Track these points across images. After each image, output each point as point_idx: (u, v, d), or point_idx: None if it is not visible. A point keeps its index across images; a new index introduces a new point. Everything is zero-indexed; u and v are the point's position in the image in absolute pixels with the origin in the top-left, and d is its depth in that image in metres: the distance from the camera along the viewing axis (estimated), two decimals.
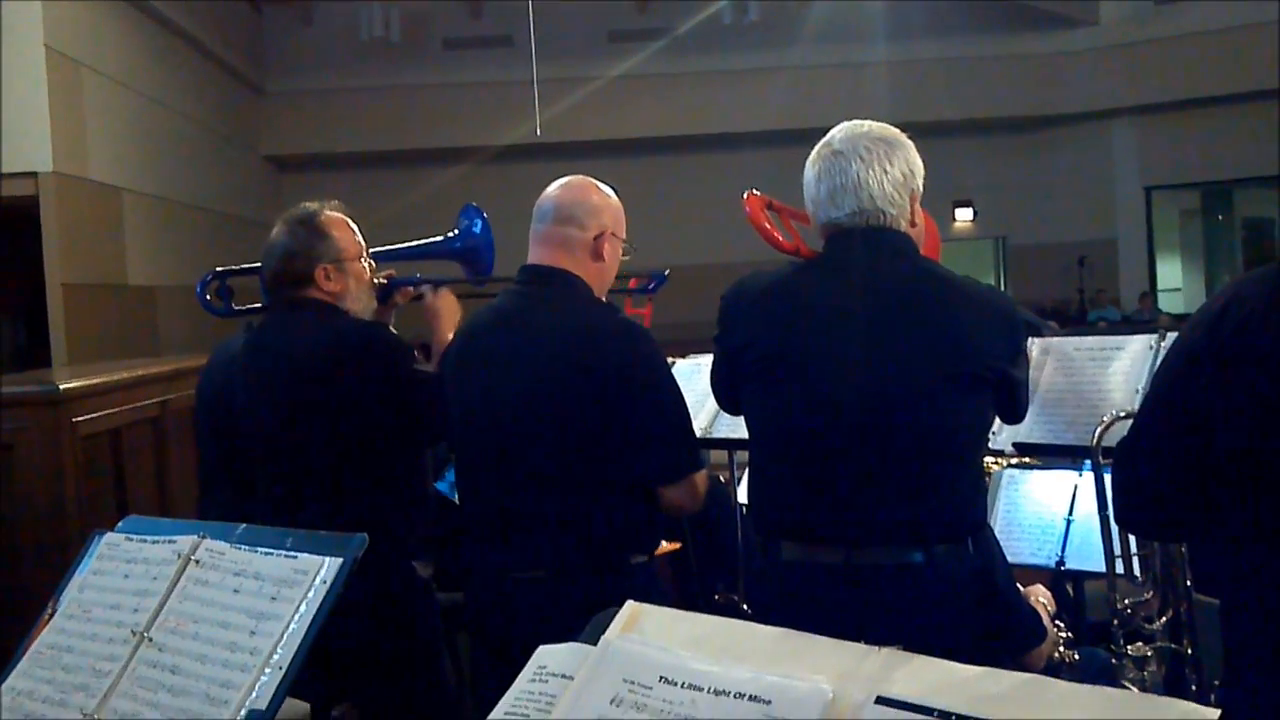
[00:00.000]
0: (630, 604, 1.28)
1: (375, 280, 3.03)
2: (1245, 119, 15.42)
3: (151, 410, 4.39)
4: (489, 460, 2.65)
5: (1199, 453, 1.76)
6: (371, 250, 3.03)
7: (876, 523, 2.30)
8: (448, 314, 3.10)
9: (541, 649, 1.29)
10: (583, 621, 1.34)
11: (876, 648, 1.13)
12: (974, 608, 2.32)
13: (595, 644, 1.24)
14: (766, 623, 1.24)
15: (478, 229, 3.28)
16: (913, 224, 2.43)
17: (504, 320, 2.70)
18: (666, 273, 3.40)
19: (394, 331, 3.05)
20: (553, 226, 2.69)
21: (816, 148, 2.45)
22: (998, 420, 2.55)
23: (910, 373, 2.28)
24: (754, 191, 2.67)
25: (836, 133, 2.44)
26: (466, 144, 15.70)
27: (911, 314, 2.33)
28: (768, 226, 2.63)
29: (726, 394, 2.61)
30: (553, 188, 2.75)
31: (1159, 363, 1.96)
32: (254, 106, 15.78)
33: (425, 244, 3.36)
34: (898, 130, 2.46)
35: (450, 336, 2.95)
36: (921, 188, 2.46)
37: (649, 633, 1.24)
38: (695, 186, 16.54)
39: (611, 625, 1.26)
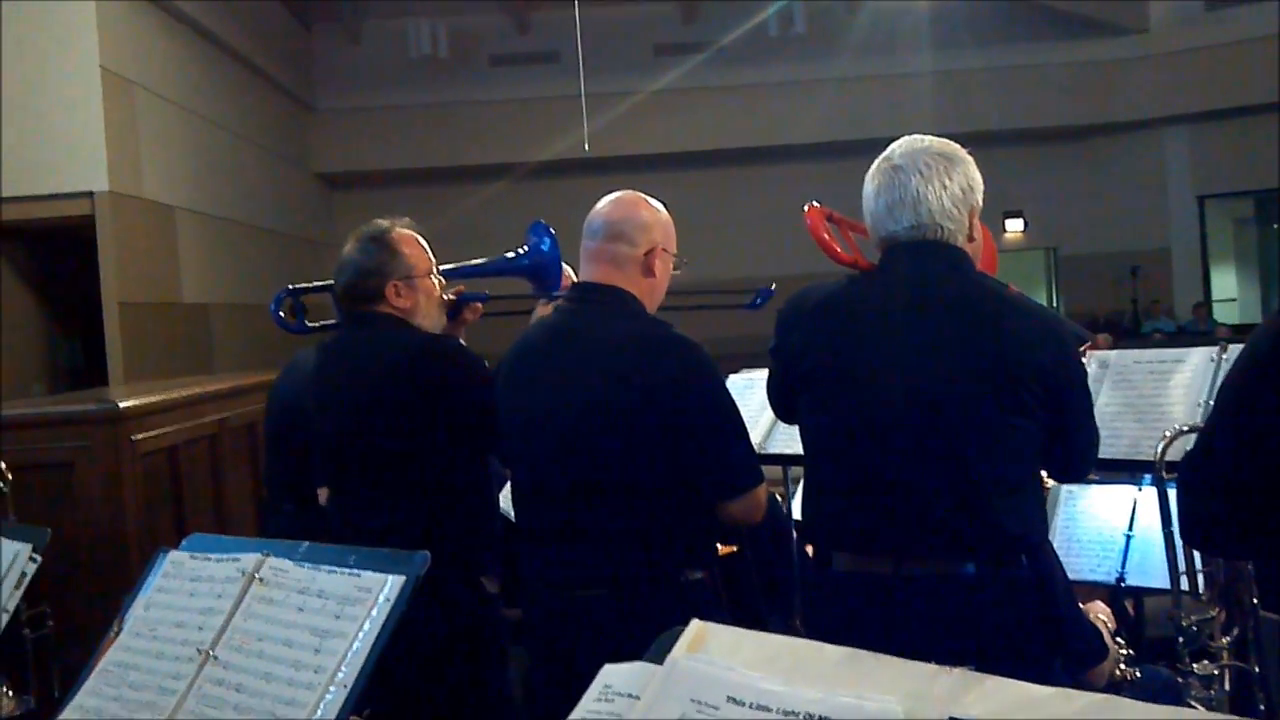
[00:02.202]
0: (696, 623, 1.27)
1: (444, 297, 3.07)
2: None
3: (209, 428, 4.44)
4: (544, 477, 2.65)
5: (1268, 468, 1.73)
6: (441, 267, 3.06)
7: (926, 533, 2.30)
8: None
9: (606, 668, 1.29)
10: (640, 637, 1.34)
11: (948, 668, 1.11)
12: (1029, 622, 2.31)
13: (661, 663, 1.24)
14: (820, 634, 1.24)
15: (546, 246, 3.30)
16: (970, 239, 2.43)
17: (557, 337, 2.71)
18: (773, 287, 3.42)
19: (464, 344, 3.08)
20: (603, 243, 2.69)
21: (876, 161, 2.46)
22: None
23: (961, 386, 2.29)
24: (814, 203, 2.67)
25: (896, 147, 2.45)
26: (515, 159, 15.78)
27: (964, 329, 2.33)
28: (827, 238, 2.63)
29: (783, 404, 2.63)
30: (602, 204, 2.76)
31: (1225, 377, 1.93)
32: (304, 124, 15.94)
33: (494, 261, 3.38)
34: (958, 145, 2.46)
35: None
36: (980, 203, 2.45)
37: (715, 652, 1.23)
38: (743, 199, 16.54)
39: (677, 644, 1.25)
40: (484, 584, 2.90)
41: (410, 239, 2.97)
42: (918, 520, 2.31)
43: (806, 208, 2.68)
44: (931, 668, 1.13)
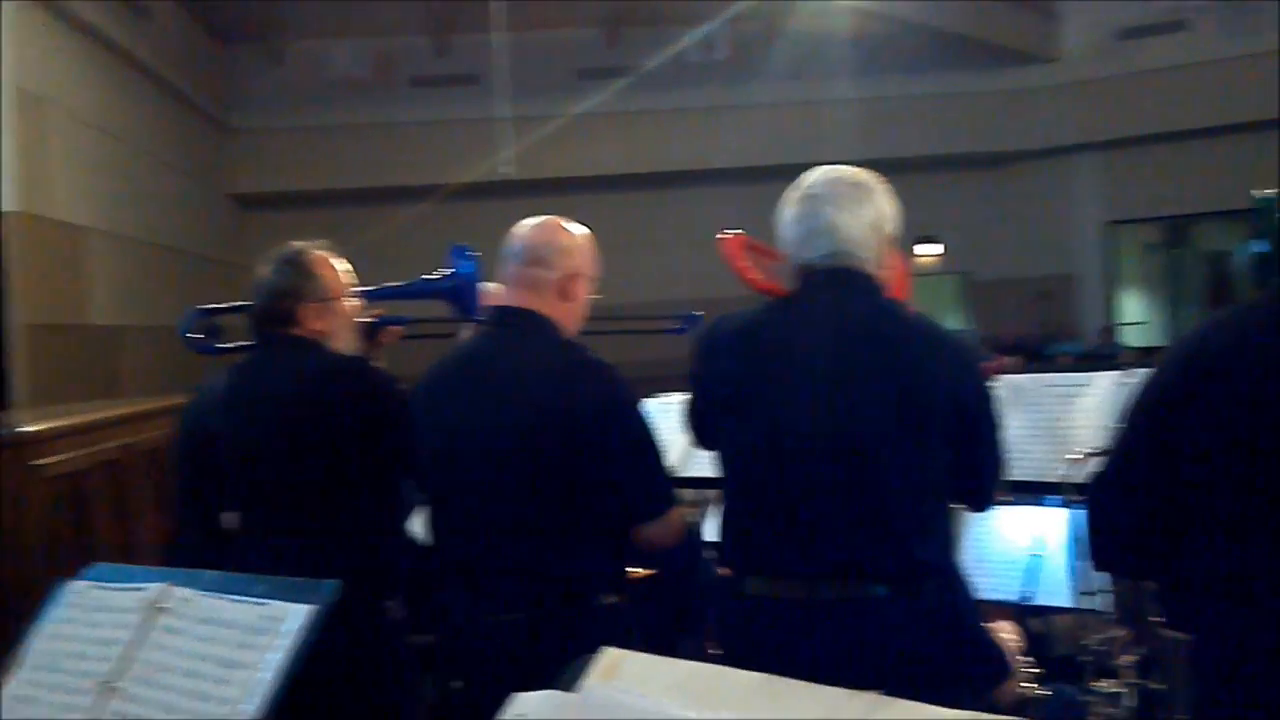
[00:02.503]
0: (609, 650, 1.27)
1: (362, 319, 3.04)
2: (1206, 153, 15.63)
3: (114, 453, 4.35)
4: (460, 502, 2.64)
5: (1173, 492, 1.77)
6: (359, 289, 3.04)
7: (840, 557, 2.33)
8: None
9: (519, 696, 1.28)
10: (554, 662, 1.33)
11: (859, 692, 1.12)
12: (939, 643, 2.34)
13: (572, 690, 1.23)
14: (734, 659, 1.24)
15: (466, 269, 3.29)
16: (884, 267, 2.46)
17: (474, 362, 2.71)
18: (701, 314, 3.47)
19: (378, 366, 3.05)
20: (522, 268, 2.70)
21: (792, 190, 2.48)
22: None
23: (874, 412, 2.32)
24: (733, 231, 2.69)
25: (812, 176, 2.48)
26: (436, 181, 15.69)
27: (877, 355, 2.36)
28: (744, 266, 2.66)
29: (700, 430, 2.64)
30: (522, 228, 2.76)
31: (1130, 401, 1.97)
32: (221, 145, 15.72)
33: (413, 284, 3.37)
34: (871, 175, 2.50)
35: None
36: (894, 232, 2.49)
37: (628, 679, 1.23)
38: (665, 223, 16.59)
39: (590, 672, 1.25)
40: (390, 609, 2.87)
41: (326, 261, 2.96)
42: (830, 545, 2.33)
43: (725, 235, 2.71)
44: (843, 692, 1.13)
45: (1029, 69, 17.16)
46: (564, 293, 2.69)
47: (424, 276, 3.39)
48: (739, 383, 2.47)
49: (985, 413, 2.44)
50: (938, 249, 17.65)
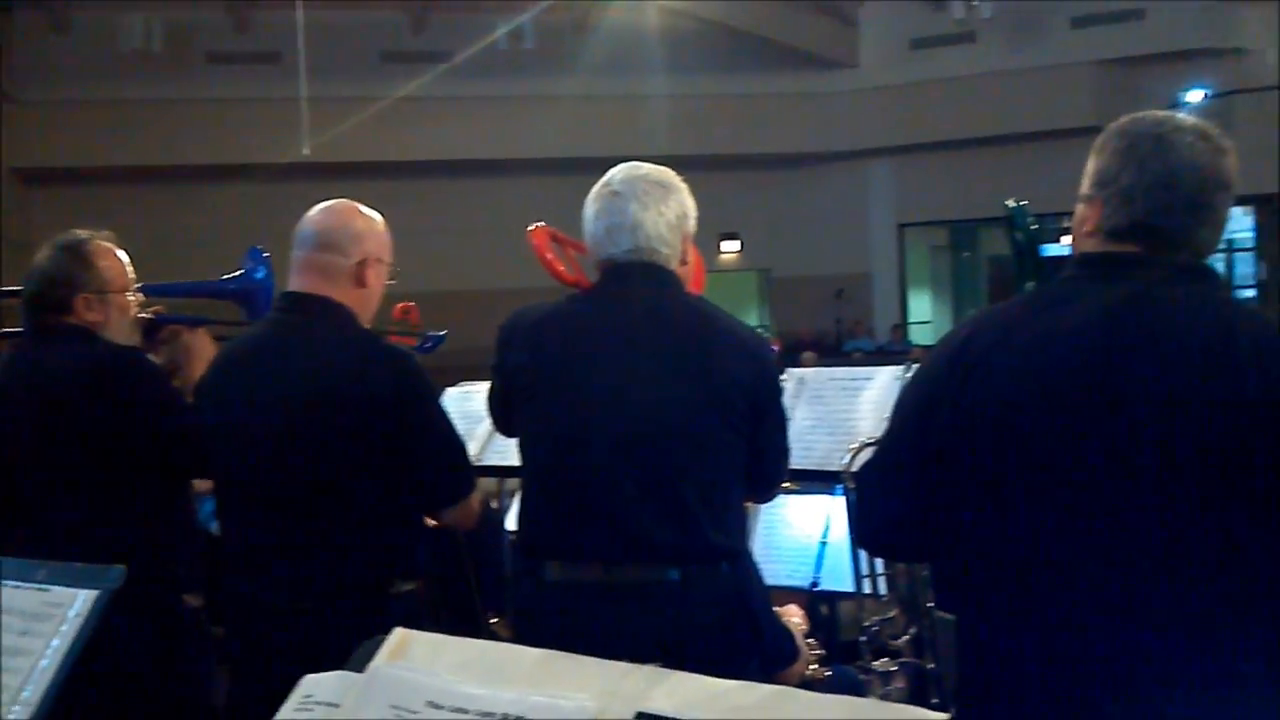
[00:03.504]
0: (398, 630, 1.29)
1: (142, 315, 2.99)
2: (992, 161, 16.41)
3: None
4: (250, 491, 2.60)
5: (935, 477, 1.88)
6: (143, 284, 2.96)
7: (635, 542, 2.39)
8: (201, 354, 3.06)
9: (307, 678, 1.29)
10: (347, 652, 1.35)
11: (638, 665, 1.17)
12: (729, 626, 2.43)
13: (362, 671, 1.25)
14: (531, 643, 1.28)
15: (260, 274, 3.25)
16: (683, 262, 2.55)
17: (263, 349, 2.67)
18: (444, 333, 3.48)
19: (152, 359, 2.98)
20: (314, 253, 2.65)
21: (596, 187, 2.55)
22: None
23: (670, 402, 2.40)
24: (540, 224, 2.74)
25: (616, 173, 2.54)
26: (233, 161, 15.23)
27: (674, 346, 2.45)
28: (551, 258, 2.71)
29: (502, 417, 2.67)
30: (314, 212, 2.72)
31: (900, 393, 2.09)
32: (1, 115, 14.92)
33: (203, 283, 3.30)
34: (673, 174, 2.58)
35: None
36: (693, 229, 2.58)
37: (417, 659, 1.26)
38: (470, 212, 16.52)
39: (379, 652, 1.27)
40: (186, 600, 2.82)
41: (108, 252, 2.88)
42: (627, 531, 2.39)
43: (533, 228, 2.75)
44: (624, 665, 1.19)
45: (829, 74, 17.73)
46: (358, 279, 2.66)
47: (221, 278, 3.33)
48: (539, 372, 2.51)
49: (774, 405, 2.55)
50: (737, 245, 18.08)
